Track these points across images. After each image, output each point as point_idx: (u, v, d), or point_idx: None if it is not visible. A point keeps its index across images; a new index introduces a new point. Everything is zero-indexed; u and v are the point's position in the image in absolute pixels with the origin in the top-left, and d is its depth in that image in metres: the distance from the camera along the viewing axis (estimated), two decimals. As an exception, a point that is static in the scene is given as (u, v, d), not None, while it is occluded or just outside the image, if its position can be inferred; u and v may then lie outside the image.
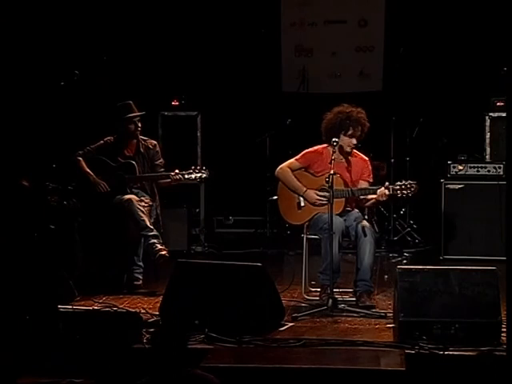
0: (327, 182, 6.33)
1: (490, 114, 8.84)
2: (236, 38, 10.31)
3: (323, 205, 6.59)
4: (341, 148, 6.70)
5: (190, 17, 10.23)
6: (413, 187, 6.51)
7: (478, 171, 8.66)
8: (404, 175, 9.21)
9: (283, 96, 10.35)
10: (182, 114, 9.75)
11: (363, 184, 6.77)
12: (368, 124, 6.75)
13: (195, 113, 9.71)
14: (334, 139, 6.57)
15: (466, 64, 9.75)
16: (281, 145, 9.21)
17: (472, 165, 8.68)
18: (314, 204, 6.69)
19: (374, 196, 6.62)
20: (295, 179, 6.79)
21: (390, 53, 10.14)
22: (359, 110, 6.76)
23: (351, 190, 6.60)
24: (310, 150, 6.87)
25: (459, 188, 8.61)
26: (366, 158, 6.90)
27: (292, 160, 6.87)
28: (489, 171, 8.61)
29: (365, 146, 7.40)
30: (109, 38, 9.68)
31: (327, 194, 6.42)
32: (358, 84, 10.36)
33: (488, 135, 8.85)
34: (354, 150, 6.85)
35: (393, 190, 6.51)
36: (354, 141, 6.71)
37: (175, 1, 10.25)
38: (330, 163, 6.39)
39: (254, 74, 10.30)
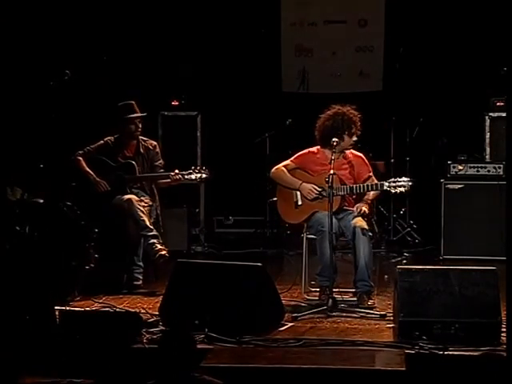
0: (327, 181, 6.33)
1: (490, 113, 8.84)
2: (236, 38, 10.30)
3: (316, 198, 6.60)
4: (341, 148, 6.70)
5: (190, 17, 10.22)
6: (406, 186, 6.52)
7: (477, 171, 8.65)
8: (404, 175, 9.19)
9: (283, 96, 10.34)
10: (182, 113, 9.75)
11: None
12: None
13: (195, 113, 9.71)
14: (334, 139, 6.57)
15: (466, 64, 9.73)
16: (281, 145, 9.20)
17: (472, 165, 8.68)
18: (308, 197, 6.69)
19: (372, 193, 6.66)
20: (290, 176, 6.78)
21: (389, 53, 10.13)
22: (349, 108, 6.78)
23: (349, 187, 6.60)
24: (304, 151, 6.89)
25: (459, 188, 8.61)
26: (360, 154, 6.89)
27: (287, 161, 6.88)
28: (489, 171, 8.61)
29: (365, 146, 7.39)
30: (108, 38, 9.68)
31: (323, 191, 6.50)
32: (357, 84, 10.35)
33: (488, 135, 8.85)
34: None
35: (389, 186, 6.52)
36: (355, 138, 6.73)
37: (175, 1, 10.25)
38: (330, 163, 6.39)
39: (253, 74, 10.28)
